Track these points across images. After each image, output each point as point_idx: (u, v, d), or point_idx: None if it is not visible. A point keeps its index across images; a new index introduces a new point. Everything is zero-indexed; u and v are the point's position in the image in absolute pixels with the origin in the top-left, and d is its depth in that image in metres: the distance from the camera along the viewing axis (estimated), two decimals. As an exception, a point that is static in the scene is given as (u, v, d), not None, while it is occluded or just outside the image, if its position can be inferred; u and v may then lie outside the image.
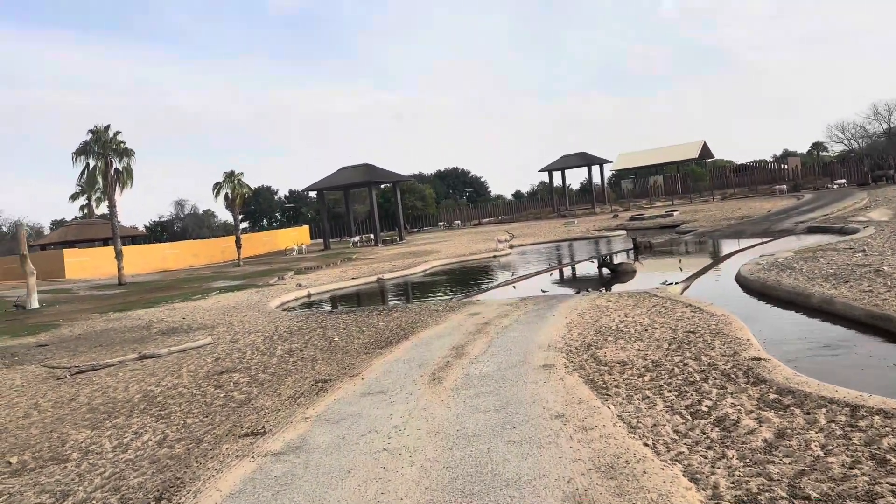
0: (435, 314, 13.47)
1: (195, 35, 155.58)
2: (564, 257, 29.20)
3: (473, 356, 8.90)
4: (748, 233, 27.08)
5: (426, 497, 4.48)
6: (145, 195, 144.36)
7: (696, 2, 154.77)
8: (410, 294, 21.69)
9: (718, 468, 4.61)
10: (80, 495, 5.38)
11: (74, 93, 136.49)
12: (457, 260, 30.54)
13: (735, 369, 7.02)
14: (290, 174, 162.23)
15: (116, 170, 32.58)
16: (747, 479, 4.39)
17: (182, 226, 73.52)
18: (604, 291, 15.29)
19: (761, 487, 4.24)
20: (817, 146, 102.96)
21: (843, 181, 49.04)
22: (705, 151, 77.40)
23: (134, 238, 55.22)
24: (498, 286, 19.31)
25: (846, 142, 48.09)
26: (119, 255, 32.47)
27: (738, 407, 5.87)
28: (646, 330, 9.59)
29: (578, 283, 19.52)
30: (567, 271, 22.81)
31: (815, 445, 4.85)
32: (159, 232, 72.54)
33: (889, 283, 10.91)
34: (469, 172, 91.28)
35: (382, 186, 65.82)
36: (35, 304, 23.64)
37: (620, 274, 19.13)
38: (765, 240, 23.75)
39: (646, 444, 5.14)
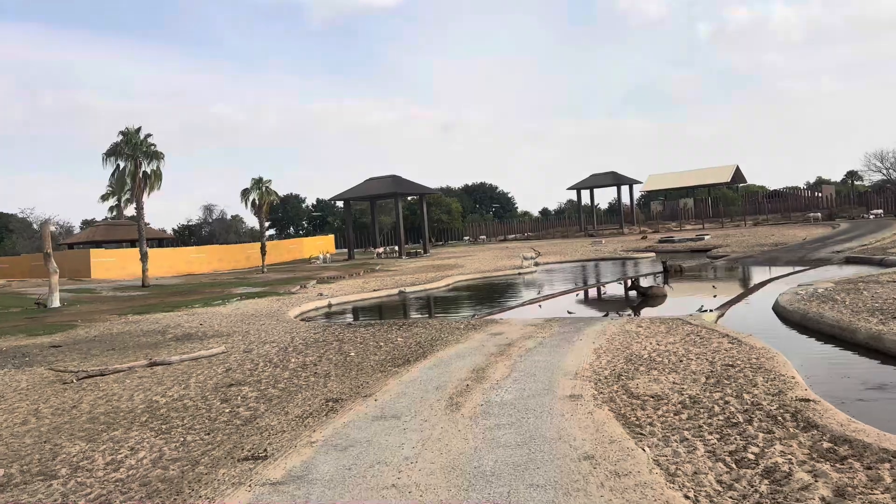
0: (456, 332, 12.93)
1: (235, 46, 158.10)
2: (591, 277, 28.49)
3: (495, 381, 8.34)
4: (783, 260, 26.13)
5: (436, 548, 3.94)
6: (176, 199, 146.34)
7: (731, 25, 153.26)
8: (432, 309, 21.18)
9: (773, 532, 4.00)
10: (62, 518, 4.93)
11: (119, 97, 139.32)
12: (481, 275, 29.99)
13: (782, 411, 6.37)
14: (318, 184, 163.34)
15: (145, 172, 32.67)
16: (808, 548, 3.78)
17: (210, 230, 74.04)
18: (633, 316, 14.63)
19: (826, 561, 3.63)
20: (852, 175, 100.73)
21: (881, 211, 47.59)
22: (738, 176, 75.99)
23: (161, 241, 55.61)
24: (522, 304, 18.71)
25: (884, 171, 46.60)
26: (144, 257, 32.48)
27: (789, 456, 5.23)
28: (680, 361, 8.95)
29: (606, 306, 18.83)
30: (594, 292, 22.14)
31: (885, 510, 4.22)
32: (187, 236, 73.12)
33: (944, 321, 10.13)
34: (496, 188, 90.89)
35: (409, 199, 65.66)
36: (56, 303, 23.58)
37: (650, 297, 18.41)
38: (800, 269, 22.83)
39: (687, 497, 4.55)
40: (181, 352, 12.51)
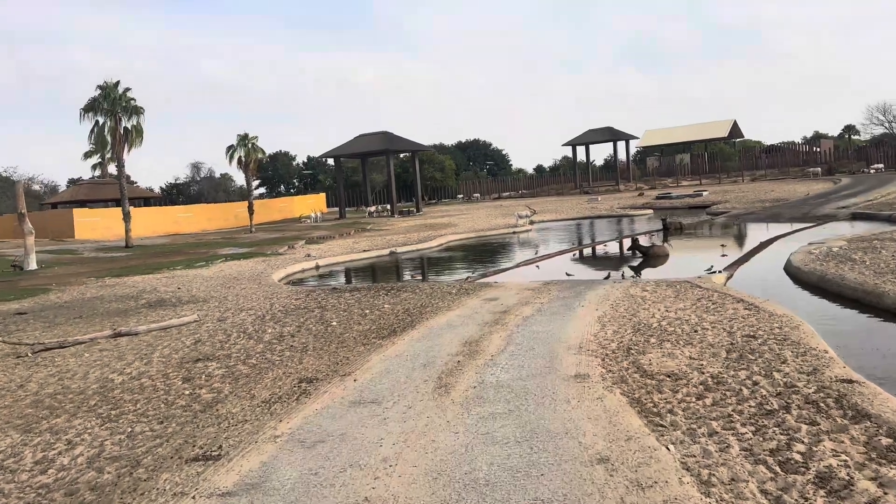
0: (447, 297, 12.00)
1: (223, 1, 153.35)
2: (588, 236, 27.54)
3: (489, 356, 7.43)
4: (786, 217, 25.21)
5: None
6: (165, 157, 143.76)
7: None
8: (423, 271, 20.24)
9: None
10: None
11: (104, 54, 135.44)
12: (474, 235, 29.02)
13: (822, 395, 5.47)
14: (310, 141, 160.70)
15: (126, 128, 31.27)
16: None
17: (198, 189, 72.51)
18: (637, 278, 13.71)
19: None
20: (849, 129, 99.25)
21: (881, 166, 46.58)
22: (735, 131, 74.50)
23: (147, 200, 54.25)
24: (518, 266, 17.78)
25: (887, 124, 45.34)
26: (126, 217, 31.33)
27: (843, 457, 4.33)
28: (695, 331, 8.03)
29: (606, 266, 17.92)
30: (592, 252, 21.20)
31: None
32: (175, 195, 71.59)
33: (980, 283, 9.24)
34: (490, 145, 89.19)
35: (401, 156, 64.18)
36: (33, 265, 22.54)
37: (652, 258, 17.49)
38: (806, 225, 21.92)
39: (728, 517, 3.65)
40: (151, 320, 11.55)
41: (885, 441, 4.54)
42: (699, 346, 7.31)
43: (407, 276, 18.89)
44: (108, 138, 31.33)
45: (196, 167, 75.73)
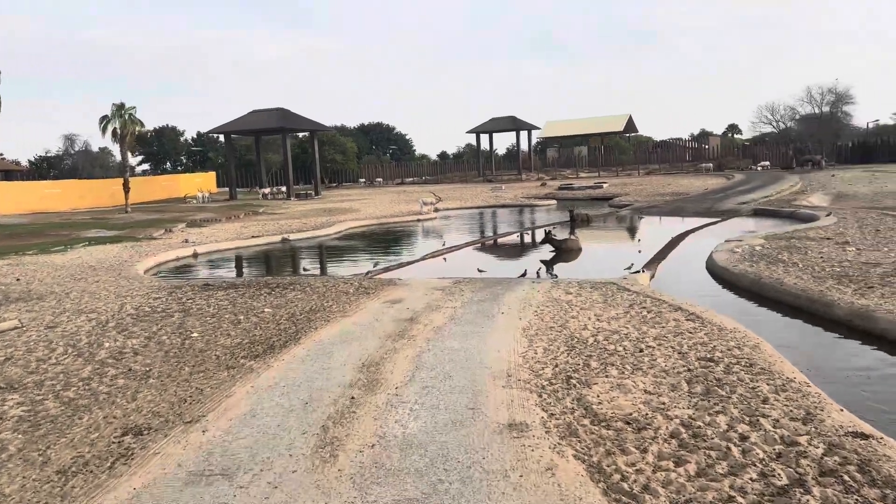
0: (343, 298, 10.11)
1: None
2: (496, 226, 26.26)
3: (393, 388, 5.65)
4: (690, 211, 24.95)
5: None
6: (39, 128, 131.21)
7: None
8: (318, 262, 18.13)
9: None
10: None
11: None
12: (376, 221, 27.05)
13: (839, 460, 4.08)
14: (202, 117, 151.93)
15: (-28, 89, 26.83)
16: None
17: (72, 164, 65.83)
18: (556, 278, 12.35)
19: None
20: (733, 128, 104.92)
21: (767, 163, 48.51)
22: (630, 125, 76.23)
23: (9, 173, 48.30)
24: (424, 258, 16.08)
25: (774, 123, 47.34)
26: (-27, 192, 26.96)
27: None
28: (640, 349, 6.62)
29: (519, 261, 16.57)
30: (502, 243, 19.84)
31: None
32: (45, 169, 64.62)
33: (926, 292, 8.43)
34: (394, 129, 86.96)
35: (300, 136, 60.87)
36: None
37: (565, 251, 16.29)
38: (712, 220, 21.57)
39: None
40: (-44, 327, 8.94)
41: (959, 546, 3.16)
42: (651, 374, 5.87)
43: (298, 268, 16.75)
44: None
45: (70, 139, 68.72)
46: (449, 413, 5.01)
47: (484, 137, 63.17)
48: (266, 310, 9.42)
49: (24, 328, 8.73)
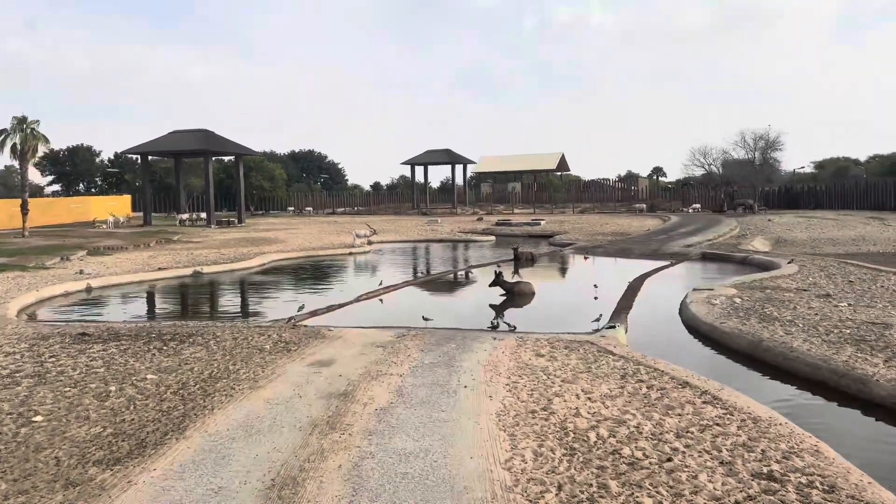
0: (256, 357, 7.88)
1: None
2: (435, 262, 24.34)
3: (319, 541, 3.54)
4: (636, 252, 23.81)
5: None
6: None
7: (554, 22, 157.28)
8: (230, 303, 15.63)
9: None
10: None
11: None
12: (304, 254, 24.65)
13: None
14: (122, 138, 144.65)
15: None
16: None
17: (-30, 181, 59.94)
18: (513, 328, 10.47)
19: None
20: (657, 170, 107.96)
21: (698, 206, 48.90)
22: (563, 164, 76.70)
23: None
24: (359, 300, 13.92)
25: (706, 166, 47.88)
26: None
27: None
28: (666, 458, 4.74)
29: (464, 302, 14.66)
30: (445, 283, 17.88)
31: None
32: (-62, 185, 58.50)
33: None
34: (326, 157, 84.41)
35: (226, 161, 57.67)
36: None
37: (517, 295, 14.52)
38: (663, 263, 20.36)
39: None
40: None
41: None
42: (697, 500, 3.99)
43: (206, 310, 14.24)
44: None
45: (-30, 155, 62.64)
46: None
47: (419, 169, 61.71)
48: (149, 376, 7.07)
49: None
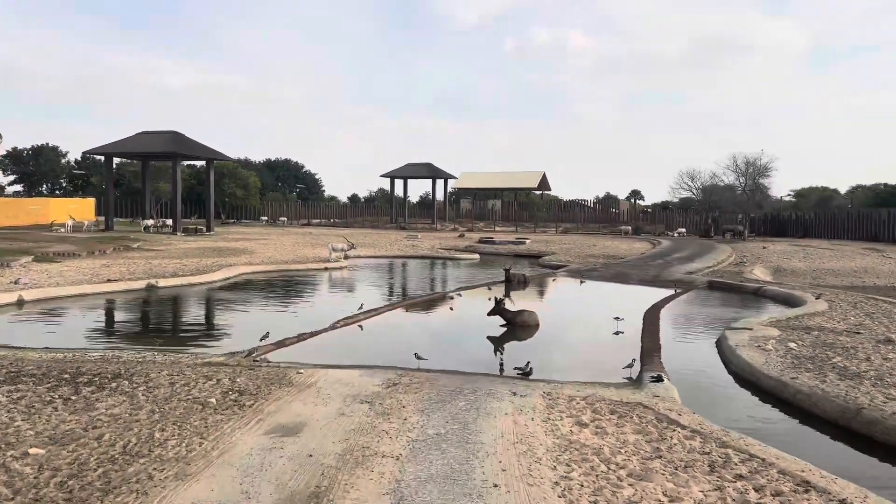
0: (195, 418, 5.68)
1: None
2: (418, 281, 22.17)
3: None
4: (635, 277, 21.94)
5: None
6: None
7: (533, 43, 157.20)
8: (182, 326, 13.23)
9: None
10: None
11: None
12: (275, 268, 22.34)
13: None
14: (91, 140, 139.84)
15: None
16: None
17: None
18: (528, 372, 8.38)
19: None
20: (635, 194, 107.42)
21: (683, 230, 47.55)
22: (544, 183, 75.47)
23: None
24: (335, 327, 11.72)
25: (694, 190, 46.66)
26: None
27: None
28: None
29: (458, 332, 12.53)
30: (435, 308, 15.70)
31: None
32: None
33: None
34: (303, 167, 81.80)
35: (198, 165, 54.99)
36: None
37: (519, 327, 12.46)
38: (668, 291, 18.51)
39: None
40: None
41: None
42: None
43: (148, 336, 11.84)
44: None
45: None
46: None
47: (398, 183, 59.59)
48: (32, 451, 4.81)
49: None
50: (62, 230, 36.17)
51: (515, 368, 8.34)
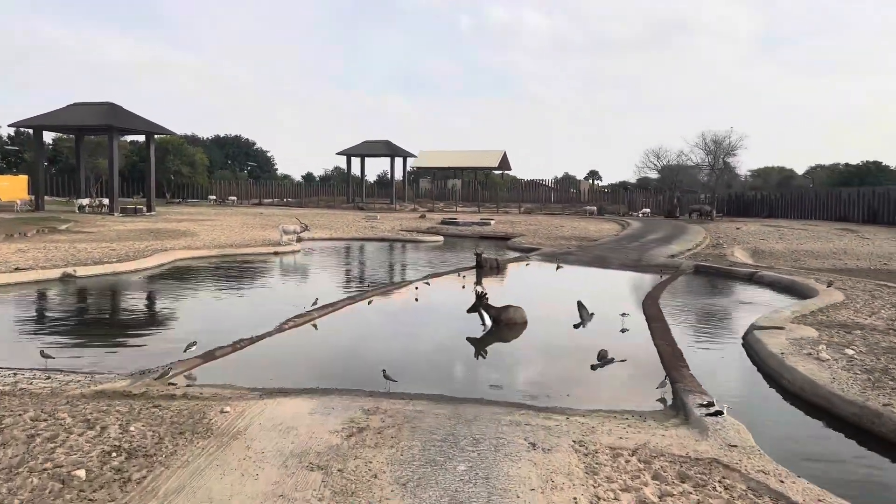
0: (72, 492, 3.39)
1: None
2: (379, 267, 19.89)
3: None
4: (615, 262, 20.17)
5: None
6: None
7: (490, 22, 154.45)
8: (86, 329, 10.68)
9: None
10: None
11: None
12: (218, 252, 19.79)
13: None
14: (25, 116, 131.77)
15: None
16: None
17: None
18: (563, 426, 6.31)
19: None
20: (593, 174, 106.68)
21: (648, 210, 46.31)
22: (504, 162, 73.53)
23: None
24: (282, 328, 9.44)
25: (659, 169, 45.26)
26: None
27: None
28: None
29: (438, 335, 10.39)
30: (402, 301, 13.49)
31: None
32: None
33: None
34: (254, 144, 77.84)
35: (141, 141, 51.04)
36: None
37: (505, 325, 10.42)
38: (656, 277, 16.77)
39: None
40: None
41: None
42: None
43: (38, 341, 9.29)
44: None
45: None
46: None
47: (355, 161, 56.77)
48: None
49: None
50: (-15, 210, 32.53)
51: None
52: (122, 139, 53.87)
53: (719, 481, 4.19)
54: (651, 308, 11.79)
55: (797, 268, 19.12)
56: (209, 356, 7.79)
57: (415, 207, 51.12)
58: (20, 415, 5.18)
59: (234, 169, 71.49)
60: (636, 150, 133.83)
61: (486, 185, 68.78)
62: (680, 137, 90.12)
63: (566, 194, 65.55)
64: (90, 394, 5.98)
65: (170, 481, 4.03)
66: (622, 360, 7.90)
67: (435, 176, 74.34)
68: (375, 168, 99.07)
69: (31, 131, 43.40)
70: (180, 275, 15.93)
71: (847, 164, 51.73)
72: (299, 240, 23.01)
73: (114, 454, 4.41)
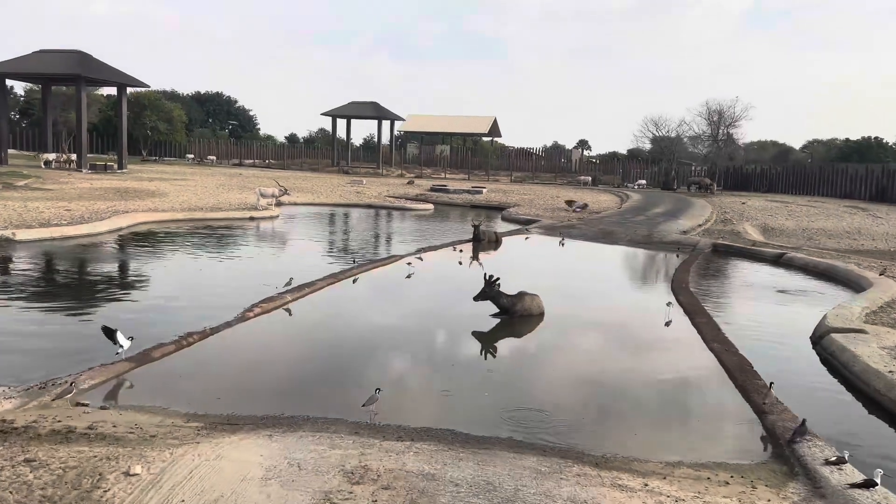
0: None
1: None
2: (366, 237, 17.89)
3: None
4: (624, 238, 18.38)
5: None
6: None
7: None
8: (8, 300, 8.69)
9: None
10: None
11: None
12: (185, 216, 17.69)
13: None
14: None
15: None
16: None
17: None
18: (615, 465, 4.53)
19: None
20: (583, 144, 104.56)
21: (644, 182, 44.50)
22: (494, 129, 71.09)
23: None
24: (247, 315, 7.51)
25: (655, 140, 43.24)
26: None
27: None
28: None
29: (436, 325, 8.52)
30: (393, 280, 11.58)
31: None
32: None
33: None
34: (236, 102, 74.42)
35: (113, 94, 47.97)
36: None
37: (519, 316, 8.59)
38: (674, 256, 15.03)
39: None
40: None
41: None
42: None
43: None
44: None
45: None
46: None
47: (341, 123, 54.09)
48: None
49: None
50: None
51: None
52: (97, 92, 50.72)
53: None
54: (685, 296, 10.01)
55: (818, 247, 17.55)
56: (143, 359, 5.87)
57: (402, 173, 48.90)
58: None
59: (215, 128, 68.36)
60: (626, 120, 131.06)
61: (475, 151, 66.45)
62: (684, 108, 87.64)
63: (557, 163, 63.55)
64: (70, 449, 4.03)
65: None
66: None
67: (423, 141, 71.82)
68: (362, 131, 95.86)
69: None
70: (137, 241, 13.86)
71: (847, 140, 50.13)
72: (279, 204, 20.92)
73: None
